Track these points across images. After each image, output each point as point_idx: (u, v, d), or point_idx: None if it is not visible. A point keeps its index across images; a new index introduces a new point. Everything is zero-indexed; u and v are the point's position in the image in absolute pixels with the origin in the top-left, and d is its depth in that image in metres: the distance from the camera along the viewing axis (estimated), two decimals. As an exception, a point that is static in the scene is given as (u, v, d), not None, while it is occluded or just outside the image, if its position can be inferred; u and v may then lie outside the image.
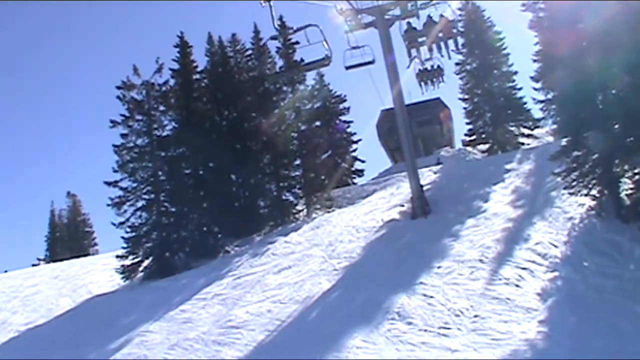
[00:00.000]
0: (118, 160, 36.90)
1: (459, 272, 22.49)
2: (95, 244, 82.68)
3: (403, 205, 32.53)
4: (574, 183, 26.48)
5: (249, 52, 45.82)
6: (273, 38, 14.70)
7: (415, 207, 30.67)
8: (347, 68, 31.90)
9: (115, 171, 36.76)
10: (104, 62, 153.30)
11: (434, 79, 35.19)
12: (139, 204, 37.01)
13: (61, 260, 57.69)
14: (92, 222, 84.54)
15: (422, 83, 35.19)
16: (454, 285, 21.45)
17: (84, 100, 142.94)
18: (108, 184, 36.44)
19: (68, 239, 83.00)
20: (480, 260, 23.11)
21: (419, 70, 34.71)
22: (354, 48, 32.06)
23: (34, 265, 65.62)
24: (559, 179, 27.40)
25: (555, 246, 23.46)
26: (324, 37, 14.21)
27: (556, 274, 21.17)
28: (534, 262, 22.29)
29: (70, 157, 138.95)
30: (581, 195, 26.48)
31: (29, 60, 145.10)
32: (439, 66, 34.61)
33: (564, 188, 26.95)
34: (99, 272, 39.20)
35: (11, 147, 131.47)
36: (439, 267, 23.17)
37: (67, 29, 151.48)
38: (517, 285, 20.61)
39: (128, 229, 36.28)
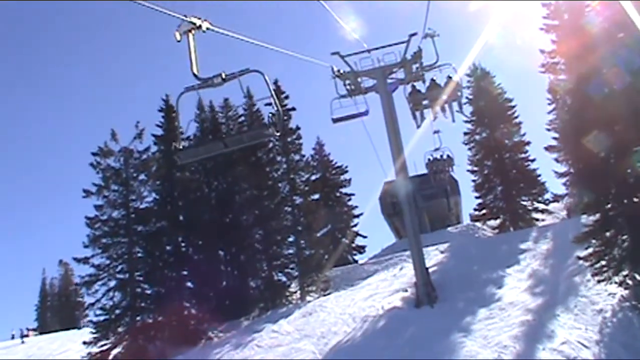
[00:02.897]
0: (89, 234, 33.35)
1: (471, 379, 18.79)
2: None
3: (407, 290, 28.89)
4: (605, 269, 23.01)
5: (242, 118, 42.76)
6: (194, 87, 9.70)
7: (420, 294, 26.97)
8: (335, 121, 28.67)
9: (85, 246, 33.27)
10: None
11: (444, 168, 35.44)
12: (112, 283, 33.28)
13: (51, 331, 56.38)
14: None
15: (433, 174, 35.83)
16: (467, 398, 17.71)
17: (75, 166, 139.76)
18: (77, 260, 32.99)
19: (59, 309, 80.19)
20: (497, 364, 19.42)
21: (429, 159, 34.47)
22: (342, 97, 28.94)
23: (22, 336, 62.25)
24: (585, 263, 23.94)
25: (587, 347, 19.89)
26: (272, 92, 9.48)
27: (591, 386, 17.42)
28: (562, 368, 18.57)
29: (64, 223, 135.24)
30: (612, 282, 22.97)
31: (15, 116, 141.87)
32: (448, 155, 34.34)
33: (592, 275, 23.47)
34: (74, 353, 35.70)
35: (5, 213, 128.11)
36: (447, 372, 19.47)
37: (47, 90, 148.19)
38: (544, 402, 16.83)
39: (98, 312, 32.64)
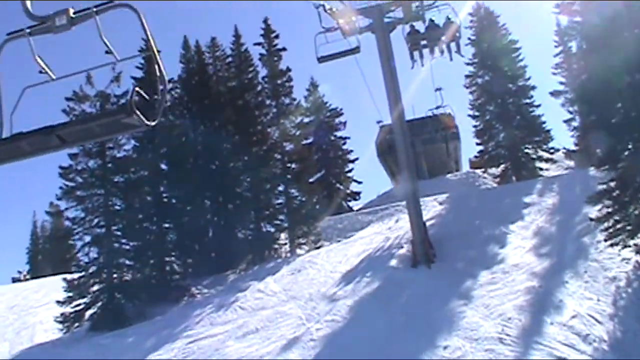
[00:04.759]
0: (62, 185, 31.02)
1: (472, 358, 16.90)
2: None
3: (402, 247, 26.93)
4: (619, 232, 21.02)
5: (230, 58, 40.33)
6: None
7: (416, 252, 25.04)
8: (321, 60, 26.25)
9: (59, 199, 31.04)
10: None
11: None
12: (87, 238, 31.13)
13: (40, 276, 53.44)
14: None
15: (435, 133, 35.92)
16: (466, 381, 15.88)
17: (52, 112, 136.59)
18: (50, 214, 30.92)
19: (51, 252, 78.78)
20: (500, 340, 17.75)
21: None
22: (327, 30, 26.31)
23: (14, 280, 61.22)
24: (599, 226, 21.99)
25: (599, 322, 18.03)
26: (150, 39, 6.24)
27: (607, 370, 15.55)
28: (572, 346, 16.87)
29: (53, 166, 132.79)
30: (626, 246, 21.03)
31: None
32: (449, 114, 35.86)
33: (605, 239, 21.47)
34: (55, 306, 34.21)
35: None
36: (445, 348, 17.85)
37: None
38: (553, 389, 14.95)
39: (73, 269, 30.66)
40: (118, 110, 6.40)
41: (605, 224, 21.65)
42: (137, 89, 5.79)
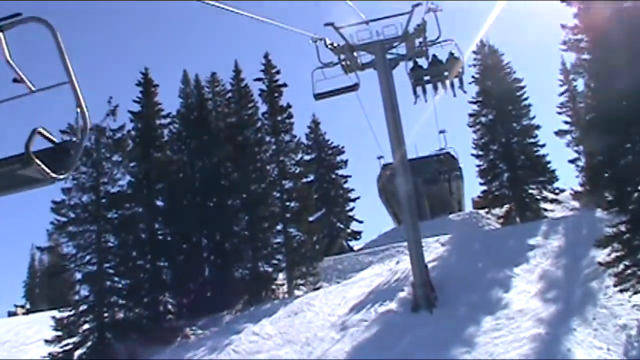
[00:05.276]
0: (54, 221, 30.33)
1: (476, 411, 16.03)
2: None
3: (403, 290, 26.03)
4: (629, 277, 20.22)
5: (229, 94, 39.90)
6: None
7: (417, 295, 24.15)
8: (318, 97, 25.33)
9: (50, 234, 30.39)
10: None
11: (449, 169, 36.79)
12: (79, 275, 30.45)
13: (36, 310, 52.93)
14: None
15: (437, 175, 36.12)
16: None
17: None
18: (41, 249, 30.21)
19: (47, 287, 77.90)
20: (506, 391, 16.69)
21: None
22: (325, 65, 25.53)
23: (9, 314, 60.27)
24: (608, 270, 21.18)
25: (610, 375, 17.00)
26: (65, 61, 4.83)
27: None
28: (582, 402, 15.80)
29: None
30: (636, 292, 20.23)
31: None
32: (453, 156, 36.36)
33: (614, 285, 20.65)
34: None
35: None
36: (446, 401, 16.75)
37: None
38: None
39: (62, 307, 29.86)
40: (12, 159, 4.44)
41: (615, 269, 20.82)
42: (39, 130, 4.35)
